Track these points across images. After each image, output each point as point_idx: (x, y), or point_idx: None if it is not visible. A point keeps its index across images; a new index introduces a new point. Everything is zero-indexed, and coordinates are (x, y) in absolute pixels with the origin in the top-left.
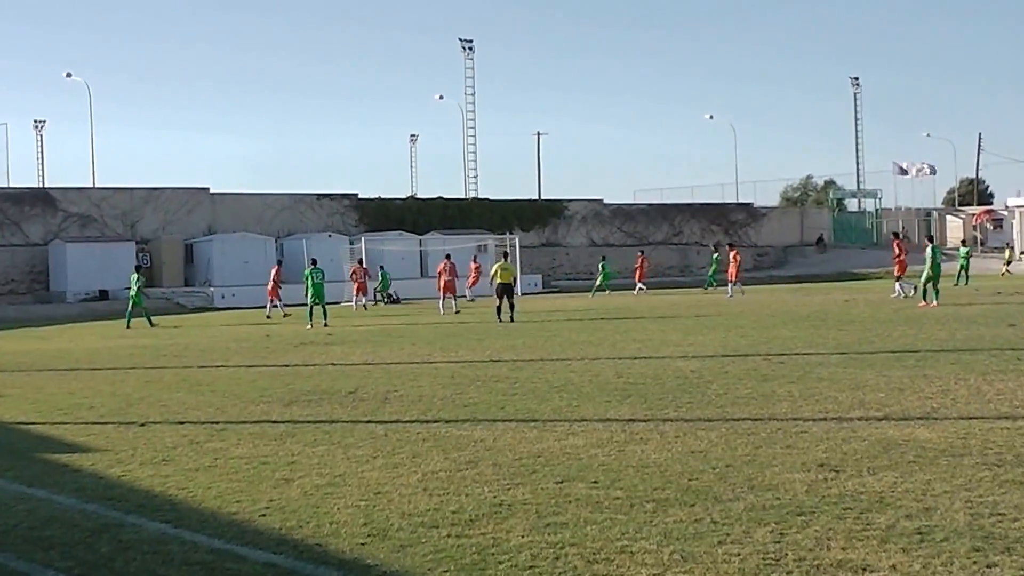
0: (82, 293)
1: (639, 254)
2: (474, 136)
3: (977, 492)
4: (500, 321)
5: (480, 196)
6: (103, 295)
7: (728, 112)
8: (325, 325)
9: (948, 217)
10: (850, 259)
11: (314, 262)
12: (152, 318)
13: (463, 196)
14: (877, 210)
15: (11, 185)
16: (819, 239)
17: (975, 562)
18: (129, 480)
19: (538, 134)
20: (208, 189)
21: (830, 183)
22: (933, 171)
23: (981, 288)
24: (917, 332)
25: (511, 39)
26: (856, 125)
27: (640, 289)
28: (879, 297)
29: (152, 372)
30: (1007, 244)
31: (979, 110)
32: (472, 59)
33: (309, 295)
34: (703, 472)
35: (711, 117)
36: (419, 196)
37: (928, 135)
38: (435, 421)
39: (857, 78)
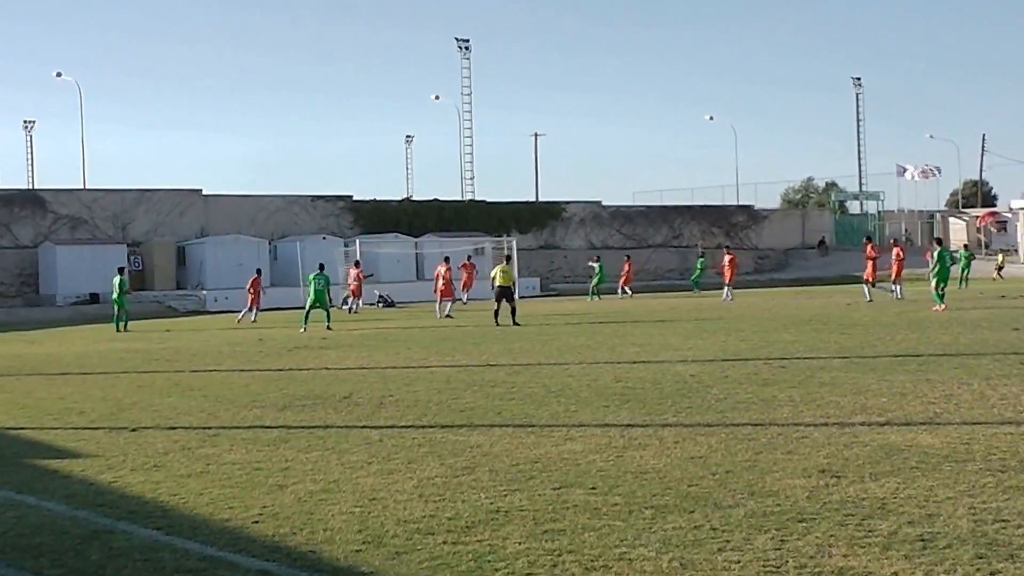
0: (72, 296)
1: (625, 258)
2: (471, 137)
3: (980, 498)
4: (498, 325)
5: (477, 198)
6: (94, 298)
7: (728, 113)
8: (328, 328)
9: (951, 220)
10: (852, 262)
11: (321, 267)
12: (128, 324)
13: (459, 198)
14: (879, 212)
15: (0, 187)
16: (820, 242)
17: (978, 569)
18: (120, 486)
19: (535, 135)
20: (201, 191)
21: (832, 185)
22: (938, 173)
23: (985, 292)
24: (920, 336)
25: (508, 38)
26: (858, 126)
27: (624, 294)
28: (881, 300)
29: (143, 376)
30: (1000, 250)
31: (982, 111)
32: (468, 59)
33: (308, 299)
34: (703, 478)
35: (711, 118)
36: (415, 198)
37: (931, 136)
38: (431, 426)
39: (859, 78)
